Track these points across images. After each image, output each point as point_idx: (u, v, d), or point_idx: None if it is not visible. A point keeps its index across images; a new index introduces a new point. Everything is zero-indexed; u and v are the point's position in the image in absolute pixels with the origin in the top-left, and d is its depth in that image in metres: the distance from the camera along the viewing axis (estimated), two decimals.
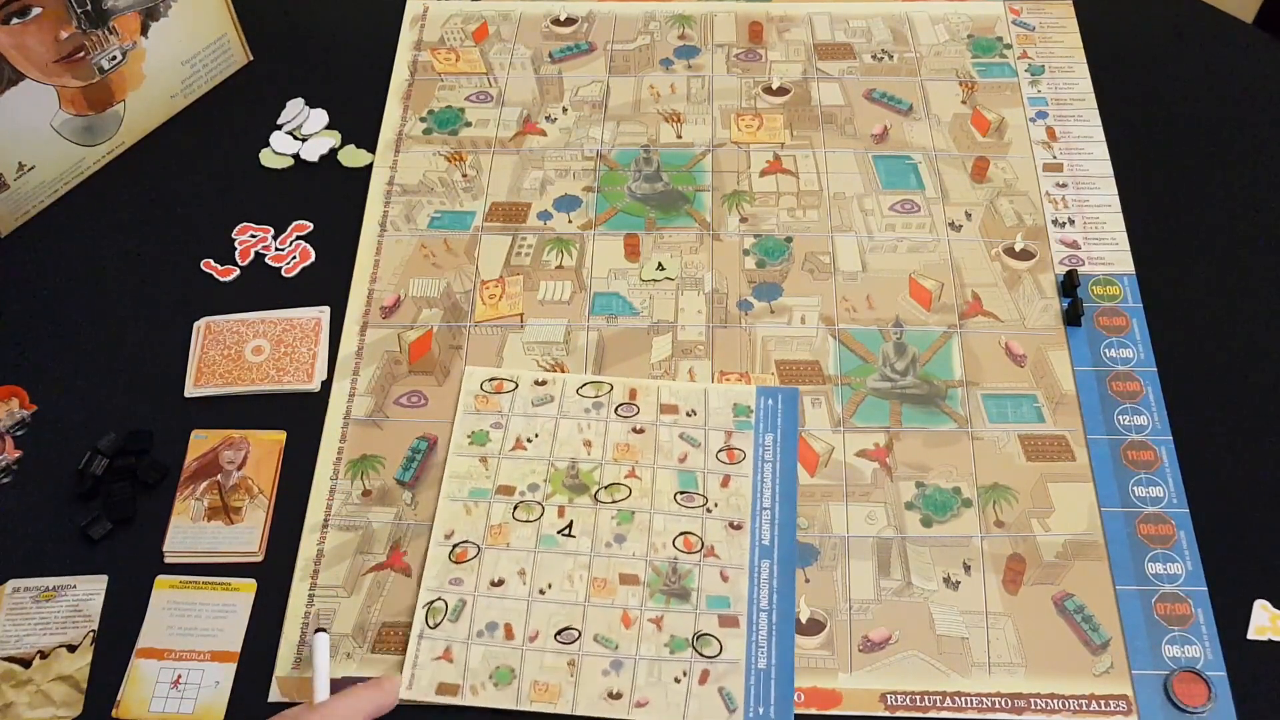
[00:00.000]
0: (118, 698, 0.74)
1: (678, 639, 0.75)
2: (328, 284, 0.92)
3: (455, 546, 0.79)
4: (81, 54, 0.91)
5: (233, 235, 0.95)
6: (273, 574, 0.79)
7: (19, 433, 0.85)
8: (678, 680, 0.73)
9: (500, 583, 0.77)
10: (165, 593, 0.78)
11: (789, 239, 0.93)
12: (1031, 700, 0.73)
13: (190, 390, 0.86)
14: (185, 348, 0.88)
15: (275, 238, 0.94)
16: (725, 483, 0.81)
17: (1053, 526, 0.79)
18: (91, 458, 0.82)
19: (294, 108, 1.02)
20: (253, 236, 0.94)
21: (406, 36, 1.08)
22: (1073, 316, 0.87)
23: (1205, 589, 0.76)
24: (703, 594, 0.77)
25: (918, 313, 0.89)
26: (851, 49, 1.05)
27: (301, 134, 1.01)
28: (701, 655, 0.74)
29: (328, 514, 0.81)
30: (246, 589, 0.78)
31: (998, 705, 0.72)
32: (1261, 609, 0.76)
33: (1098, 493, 0.80)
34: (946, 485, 0.81)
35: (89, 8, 0.90)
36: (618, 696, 0.73)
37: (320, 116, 1.02)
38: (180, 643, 0.76)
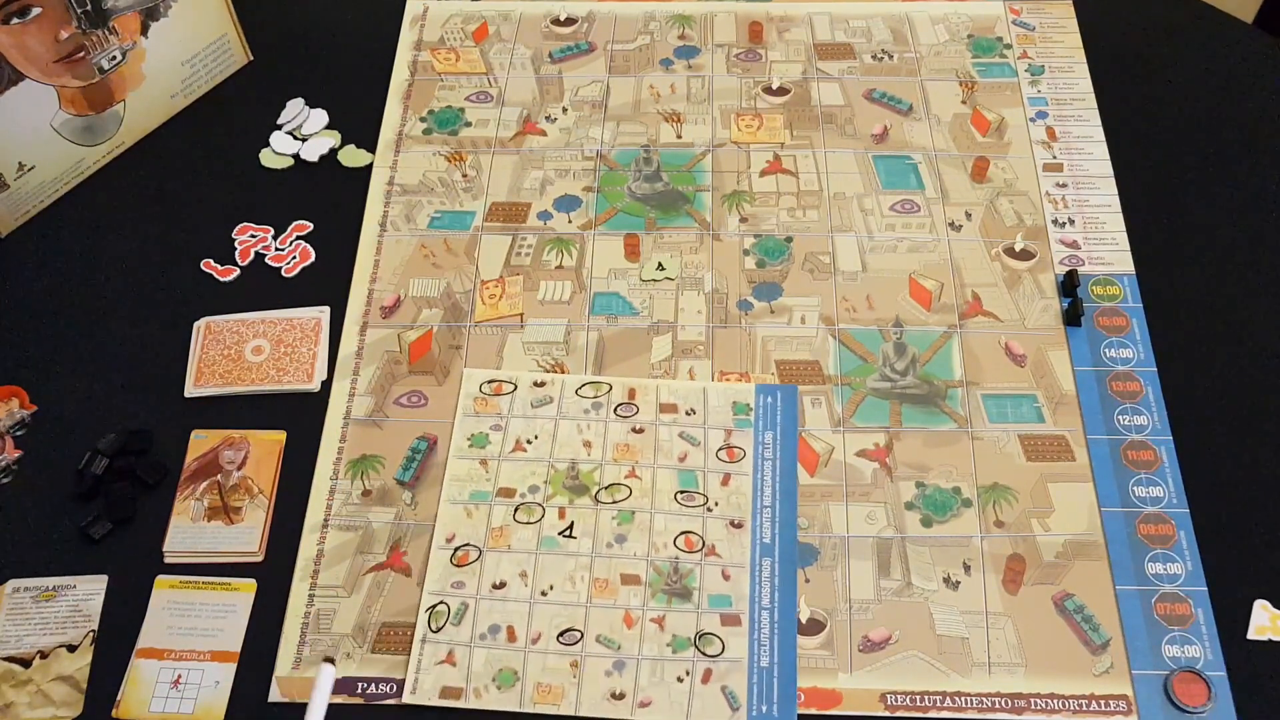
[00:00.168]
0: (118, 698, 0.74)
1: (680, 638, 0.75)
2: (328, 284, 0.92)
3: (457, 549, 0.79)
4: (81, 54, 0.91)
5: (233, 235, 0.95)
6: (273, 574, 0.79)
7: (19, 433, 0.85)
8: (680, 680, 0.73)
9: (502, 585, 0.77)
10: (165, 593, 0.78)
11: (789, 239, 0.93)
12: (1031, 700, 0.73)
13: (190, 390, 0.86)
14: (185, 348, 0.88)
15: (275, 238, 0.94)
16: (725, 481, 0.81)
17: (1053, 526, 0.79)
18: (91, 458, 0.82)
19: (294, 108, 1.02)
20: (253, 236, 0.94)
21: (406, 36, 1.08)
22: (1073, 316, 0.88)
23: (1205, 589, 0.76)
24: (704, 593, 0.77)
25: (918, 313, 0.89)
26: (851, 49, 1.05)
27: (301, 134, 1.01)
28: (704, 654, 0.74)
29: (328, 514, 0.81)
30: (246, 589, 0.78)
31: (998, 705, 0.72)
32: (1261, 609, 0.76)
33: (1098, 493, 0.80)
34: (946, 485, 0.81)
35: (89, 8, 0.90)
36: (621, 697, 0.73)
37: (320, 116, 1.02)
38: (180, 643, 0.76)
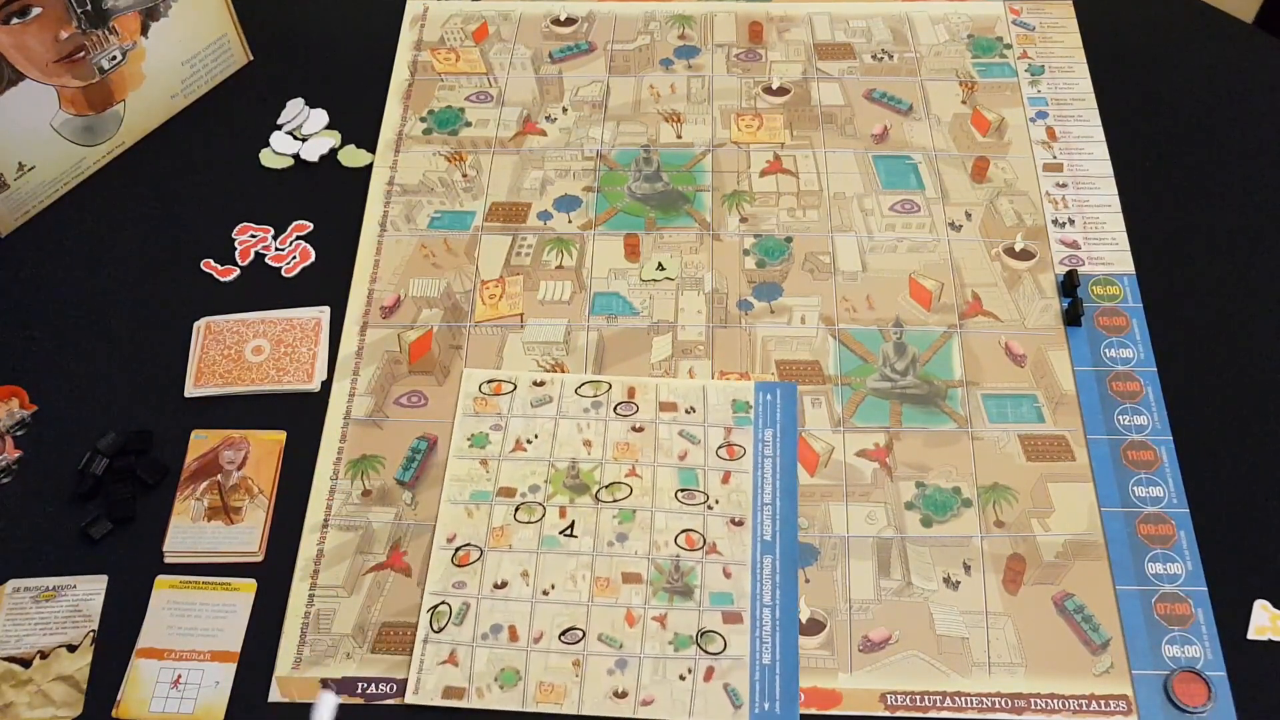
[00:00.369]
0: (118, 698, 0.74)
1: (682, 636, 0.75)
2: (328, 284, 0.92)
3: (458, 550, 0.79)
4: (81, 54, 0.91)
5: (233, 235, 0.95)
6: (273, 574, 0.79)
7: (19, 433, 0.85)
8: (683, 678, 0.73)
9: (503, 585, 0.77)
10: (165, 593, 0.78)
11: (789, 239, 0.93)
12: (1031, 700, 0.73)
13: (190, 390, 0.86)
14: (185, 348, 0.88)
15: (275, 238, 0.94)
16: (726, 479, 0.81)
17: (1053, 526, 0.79)
18: (91, 458, 0.82)
19: (294, 108, 1.02)
20: (253, 236, 0.94)
21: (406, 36, 1.08)
22: (1073, 316, 0.88)
23: (1205, 589, 0.76)
24: (705, 591, 0.77)
25: (918, 313, 0.89)
26: (851, 49, 1.05)
27: (301, 134, 1.01)
28: (706, 652, 0.74)
29: (328, 514, 0.81)
30: (246, 589, 0.78)
31: (998, 705, 0.73)
32: (1261, 609, 0.76)
33: (1098, 493, 0.80)
34: (946, 485, 0.81)
35: (89, 8, 0.90)
36: (623, 695, 0.73)
37: (320, 116, 1.02)
38: (180, 643, 0.75)
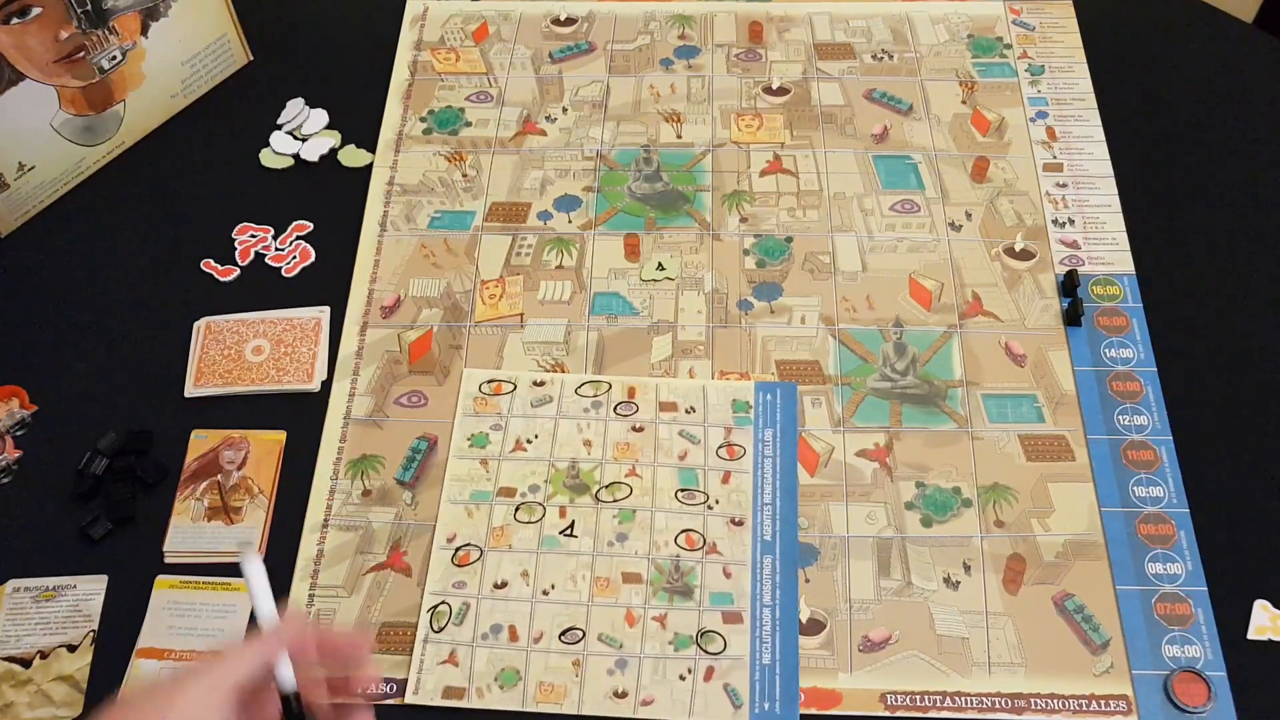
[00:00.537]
0: (118, 698, 0.74)
1: (682, 636, 0.75)
2: (328, 284, 0.92)
3: (458, 549, 0.79)
4: (81, 54, 0.91)
5: (233, 235, 0.95)
6: (273, 574, 0.77)
7: (19, 433, 0.85)
8: (683, 678, 0.73)
9: (503, 585, 0.77)
10: (165, 593, 0.78)
11: (789, 239, 0.93)
12: (1031, 700, 0.73)
13: (190, 390, 0.86)
14: (185, 348, 0.88)
15: (275, 238, 0.94)
16: (726, 479, 0.81)
17: (1053, 526, 0.79)
18: (91, 458, 0.82)
19: (294, 108, 1.02)
20: (253, 236, 0.94)
21: (406, 36, 1.08)
22: (1073, 316, 0.88)
23: (1205, 589, 0.76)
24: (706, 591, 0.77)
25: (918, 313, 0.89)
26: (851, 49, 1.05)
27: (301, 134, 1.01)
28: (706, 652, 0.74)
29: (328, 514, 0.81)
30: (246, 589, 0.78)
31: (998, 705, 0.72)
32: (1261, 609, 0.76)
33: (1098, 493, 0.80)
34: (946, 485, 0.81)
35: (89, 8, 0.90)
36: (623, 695, 0.73)
37: (320, 116, 1.02)
38: (180, 643, 0.75)
